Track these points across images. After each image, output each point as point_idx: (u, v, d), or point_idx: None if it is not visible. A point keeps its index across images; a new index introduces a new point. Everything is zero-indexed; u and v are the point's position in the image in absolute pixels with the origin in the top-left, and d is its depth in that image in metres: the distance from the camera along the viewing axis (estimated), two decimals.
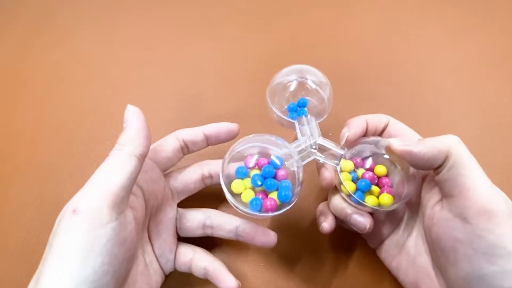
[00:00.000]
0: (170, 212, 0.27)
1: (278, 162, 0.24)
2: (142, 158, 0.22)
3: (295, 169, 0.24)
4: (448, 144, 0.21)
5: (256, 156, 0.24)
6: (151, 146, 0.27)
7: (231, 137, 0.28)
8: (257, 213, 0.22)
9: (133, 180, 0.22)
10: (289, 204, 0.23)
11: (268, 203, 0.22)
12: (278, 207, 0.23)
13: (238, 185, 0.23)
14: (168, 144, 0.27)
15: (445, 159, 0.21)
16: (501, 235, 0.19)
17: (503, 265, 0.18)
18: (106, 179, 0.21)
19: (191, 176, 0.28)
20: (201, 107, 0.38)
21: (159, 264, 0.26)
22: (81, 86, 0.41)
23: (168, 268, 0.27)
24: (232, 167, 0.24)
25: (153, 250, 0.26)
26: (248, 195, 0.23)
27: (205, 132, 0.28)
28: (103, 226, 0.19)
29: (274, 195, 0.23)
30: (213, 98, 0.39)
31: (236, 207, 0.23)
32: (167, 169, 0.28)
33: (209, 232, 0.28)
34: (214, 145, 0.29)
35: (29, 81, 0.41)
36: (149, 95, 0.40)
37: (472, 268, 0.19)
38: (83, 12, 0.48)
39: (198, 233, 0.28)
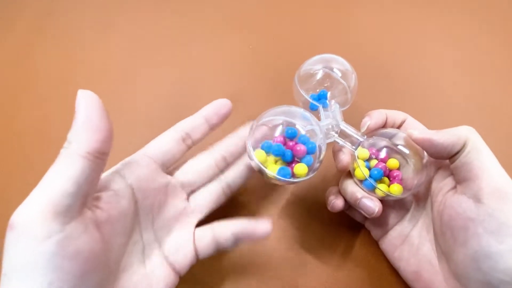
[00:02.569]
0: (179, 204, 0.26)
1: (304, 132, 0.25)
2: (93, 156, 0.19)
3: (321, 144, 0.25)
4: (465, 132, 0.23)
5: (280, 128, 0.25)
6: (151, 143, 0.25)
7: (229, 111, 0.27)
8: (286, 179, 0.24)
9: (84, 184, 0.19)
10: (310, 174, 0.24)
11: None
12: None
13: (261, 154, 0.24)
14: (165, 136, 0.26)
15: (463, 145, 0.23)
16: None
17: (511, 244, 0.20)
18: (46, 186, 0.18)
19: (200, 164, 0.27)
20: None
21: (170, 266, 0.24)
22: (81, 86, 0.39)
23: (187, 262, 0.25)
24: (258, 135, 0.25)
25: (163, 252, 0.24)
26: (273, 168, 0.24)
27: (203, 114, 0.27)
28: (42, 241, 0.17)
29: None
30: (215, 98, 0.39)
31: (264, 171, 0.24)
32: (170, 164, 0.26)
33: (229, 192, 0.27)
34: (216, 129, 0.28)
35: (29, 81, 0.41)
36: (150, 95, 0.40)
37: (481, 246, 0.21)
38: (83, 12, 0.48)
39: (221, 201, 0.27)
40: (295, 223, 0.32)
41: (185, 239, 0.25)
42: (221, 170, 0.27)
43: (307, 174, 0.24)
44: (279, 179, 0.24)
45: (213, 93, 0.39)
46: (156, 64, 0.42)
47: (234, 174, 0.28)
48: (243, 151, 0.28)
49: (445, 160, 0.25)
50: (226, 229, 0.25)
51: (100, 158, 0.20)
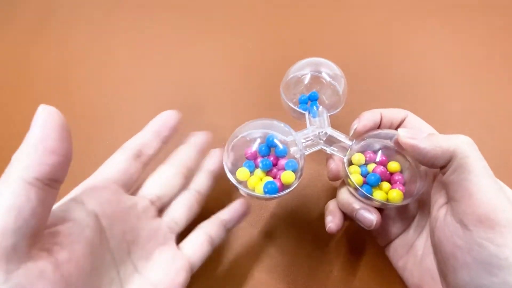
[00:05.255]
0: (153, 223, 0.24)
1: (281, 147, 0.24)
2: (42, 183, 0.16)
3: (298, 156, 0.24)
4: (455, 145, 0.20)
5: (257, 142, 0.25)
6: (102, 167, 0.23)
7: (178, 122, 0.26)
8: (267, 195, 0.23)
9: (30, 218, 0.15)
10: (291, 187, 0.23)
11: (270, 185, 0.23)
12: (283, 188, 0.23)
13: (244, 173, 0.24)
14: (115, 158, 0.24)
15: (449, 161, 0.20)
16: (503, 245, 0.17)
17: (504, 277, 0.17)
18: None
19: (164, 175, 0.25)
20: (203, 109, 0.38)
21: None
22: (81, 86, 0.41)
23: (182, 281, 0.23)
24: (236, 152, 0.24)
25: (150, 282, 0.22)
26: (255, 182, 0.24)
27: (153, 129, 0.25)
28: None
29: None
30: (215, 99, 0.39)
31: (241, 189, 0.24)
32: (130, 184, 0.24)
33: (201, 198, 0.26)
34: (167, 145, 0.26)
35: (29, 81, 0.41)
36: (150, 95, 0.40)
37: (471, 277, 0.18)
38: (83, 12, 0.48)
39: (195, 210, 0.26)
40: (287, 234, 0.31)
41: (170, 259, 0.23)
42: (186, 177, 0.26)
43: (291, 185, 0.23)
44: (267, 197, 0.23)
45: (213, 93, 0.39)
46: (155, 64, 0.42)
47: (201, 181, 0.27)
48: (202, 156, 0.28)
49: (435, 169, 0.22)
50: (215, 222, 0.25)
51: (51, 186, 0.16)
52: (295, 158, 0.24)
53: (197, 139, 0.28)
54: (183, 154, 0.27)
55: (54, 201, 0.17)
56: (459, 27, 0.43)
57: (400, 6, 0.45)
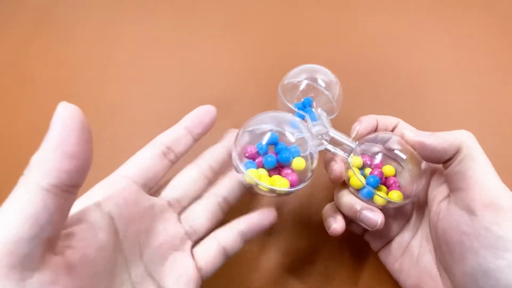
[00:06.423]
0: (170, 228, 0.23)
1: (292, 140, 0.24)
2: (60, 189, 0.15)
3: (307, 154, 0.24)
4: (460, 138, 0.22)
5: (266, 136, 0.24)
6: (128, 162, 0.22)
7: (214, 119, 0.25)
8: (283, 189, 0.22)
9: (47, 225, 0.14)
10: (305, 181, 0.23)
11: (290, 177, 0.22)
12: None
13: (255, 173, 0.22)
14: (143, 153, 0.23)
15: (456, 153, 0.21)
16: (508, 228, 0.18)
17: (510, 259, 0.18)
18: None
19: (187, 177, 0.24)
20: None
21: None
22: (81, 86, 0.40)
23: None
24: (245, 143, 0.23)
25: (160, 287, 0.21)
26: (267, 179, 0.23)
27: (185, 125, 0.24)
28: None
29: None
30: (215, 99, 0.37)
31: (261, 184, 0.22)
32: (153, 183, 0.23)
33: (226, 206, 0.25)
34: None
35: (29, 81, 0.41)
36: (150, 95, 0.39)
37: (478, 262, 0.19)
38: (83, 12, 0.47)
39: (219, 217, 0.24)
40: (288, 239, 0.30)
41: (183, 266, 0.22)
42: (210, 181, 0.25)
43: (299, 183, 0.23)
44: (286, 192, 0.22)
45: (213, 94, 0.39)
46: (156, 64, 0.42)
47: (229, 185, 0.25)
48: (229, 158, 0.25)
49: (439, 165, 0.23)
50: (231, 232, 0.23)
51: (69, 192, 0.15)
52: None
53: (229, 139, 0.26)
54: (211, 155, 0.25)
55: (71, 205, 0.16)
56: (457, 29, 0.44)
57: (399, 10, 0.46)
